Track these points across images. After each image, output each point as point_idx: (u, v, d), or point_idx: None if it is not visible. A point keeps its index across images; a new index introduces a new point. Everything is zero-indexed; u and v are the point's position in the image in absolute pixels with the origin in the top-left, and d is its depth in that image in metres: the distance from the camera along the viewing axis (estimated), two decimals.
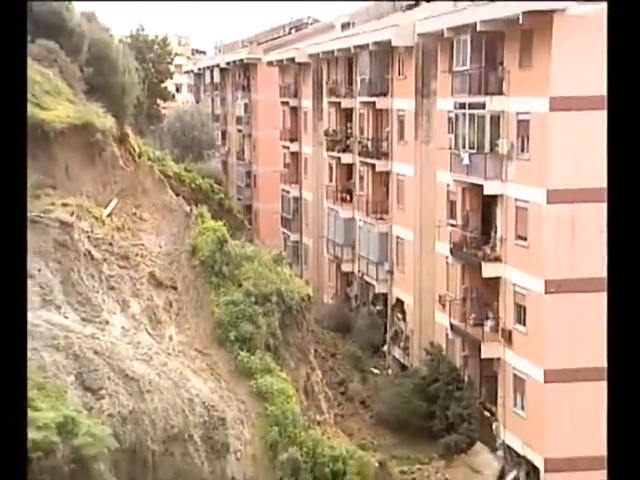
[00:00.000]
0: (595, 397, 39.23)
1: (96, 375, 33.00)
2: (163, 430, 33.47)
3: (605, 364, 38.32)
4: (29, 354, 30.80)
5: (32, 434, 26.17)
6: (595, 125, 37.93)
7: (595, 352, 38.97)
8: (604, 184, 36.59)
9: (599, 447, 38.67)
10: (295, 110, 77.68)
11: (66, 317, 35.31)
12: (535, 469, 41.42)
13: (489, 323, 44.57)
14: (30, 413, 26.74)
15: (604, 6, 36.80)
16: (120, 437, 31.22)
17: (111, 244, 39.72)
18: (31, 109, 39.28)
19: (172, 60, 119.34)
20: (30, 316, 33.69)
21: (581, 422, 39.90)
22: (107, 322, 36.58)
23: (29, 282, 35.67)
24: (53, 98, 41.72)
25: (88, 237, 38.71)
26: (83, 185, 41.38)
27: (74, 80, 45.30)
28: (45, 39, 45.61)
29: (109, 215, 41.27)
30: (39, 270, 36.06)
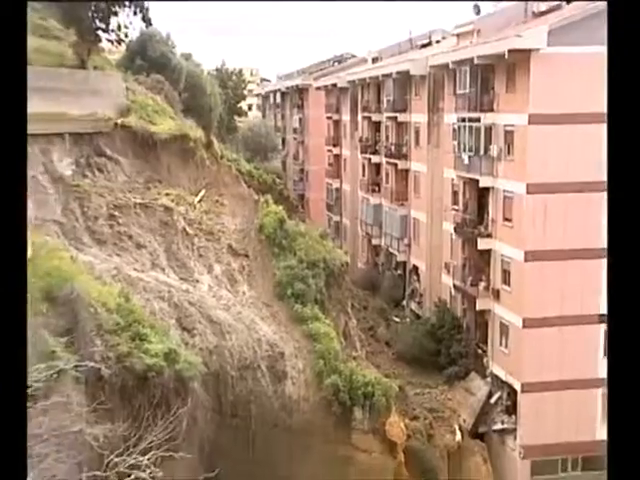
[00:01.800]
0: (559, 339, 40.13)
1: (190, 319, 33.53)
2: (239, 361, 33.88)
3: (566, 313, 39.36)
4: (143, 303, 32.15)
5: (147, 360, 27.30)
6: (562, 134, 38.79)
7: (561, 305, 39.90)
8: (569, 179, 37.69)
9: (562, 374, 39.90)
10: (337, 123, 77.21)
11: (168, 276, 35.89)
12: (514, 391, 41.80)
13: (482, 284, 44.57)
14: (145, 345, 28.14)
15: (570, 49, 38.08)
16: (208, 365, 31.71)
17: (200, 223, 40.01)
18: (144, 124, 40.27)
19: (245, 86, 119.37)
20: (143, 275, 34.89)
21: (549, 356, 40.13)
22: (197, 281, 37.00)
23: (143, 252, 36.93)
24: (160, 116, 42.21)
25: (184, 218, 39.18)
26: (180, 180, 41.77)
27: (175, 102, 46.05)
28: (156, 74, 46.88)
29: (199, 202, 41.57)
30: (149, 242, 36.77)
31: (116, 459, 17.82)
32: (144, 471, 17.88)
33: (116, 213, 37.02)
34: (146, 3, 42.73)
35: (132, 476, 17.64)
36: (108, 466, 17.69)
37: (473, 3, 55.88)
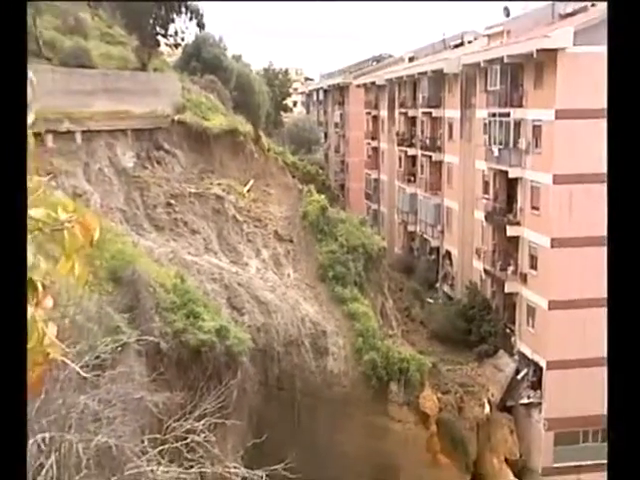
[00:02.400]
0: (582, 320, 39.88)
1: (239, 299, 33.96)
2: (284, 337, 34.30)
3: (588, 296, 38.87)
4: (197, 284, 32.61)
5: (200, 336, 27.83)
6: (586, 129, 38.41)
7: (584, 288, 39.59)
8: (593, 170, 37.41)
9: (584, 353, 39.68)
10: (375, 118, 76.71)
11: (220, 260, 36.28)
12: (539, 368, 41.71)
13: (511, 268, 44.24)
14: (199, 322, 28.61)
15: (594, 48, 37.79)
16: (255, 341, 32.07)
17: (249, 211, 40.33)
18: (198, 120, 40.71)
19: (290, 85, 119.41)
20: (197, 259, 35.37)
21: (572, 336, 39.86)
22: (246, 264, 37.42)
23: (197, 237, 37.39)
24: (212, 113, 42.69)
25: (234, 206, 39.52)
26: (230, 171, 42.01)
27: (226, 100, 46.53)
28: (209, 74, 47.41)
29: (248, 191, 41.84)
30: (202, 228, 37.25)
31: (174, 424, 18.30)
32: (199, 435, 18.32)
33: (173, 201, 37.55)
34: (201, 10, 43.33)
35: (188, 439, 18.10)
36: (167, 430, 18.18)
37: (503, 6, 55.51)
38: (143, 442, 16.95)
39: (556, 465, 41.35)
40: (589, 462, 40.57)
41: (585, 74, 37.94)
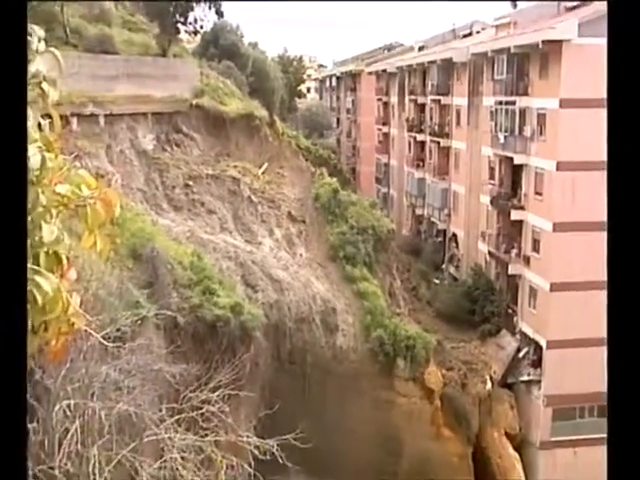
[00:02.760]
0: (582, 301, 39.84)
1: (253, 277, 34.07)
2: (295, 314, 34.42)
3: (588, 279, 38.78)
4: (213, 262, 32.70)
5: (216, 311, 27.98)
6: (590, 117, 38.18)
7: (584, 271, 39.51)
8: (595, 158, 37.31)
9: (583, 333, 39.71)
10: (386, 104, 76.15)
11: (235, 239, 36.43)
12: (540, 347, 41.65)
13: (514, 251, 44.16)
14: (214, 298, 28.73)
15: (598, 40, 37.55)
16: (268, 317, 32.33)
17: (263, 192, 40.35)
18: (216, 105, 40.73)
19: (304, 72, 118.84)
20: (213, 238, 35.46)
21: (572, 317, 39.77)
22: (260, 243, 37.53)
23: (213, 217, 37.47)
24: (229, 98, 42.71)
25: (249, 187, 39.56)
26: (246, 154, 42.04)
27: (242, 85, 46.49)
28: (226, 60, 47.33)
29: (262, 173, 41.83)
30: (219, 208, 37.36)
31: (190, 394, 18.46)
32: (213, 406, 18.45)
33: (190, 183, 37.64)
34: None
35: (203, 409, 18.24)
36: (183, 400, 18.34)
37: None
38: (161, 411, 17.10)
39: (553, 439, 41.46)
40: (585, 436, 40.87)
41: (589, 65, 37.64)
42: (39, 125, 3.42)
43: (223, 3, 43.82)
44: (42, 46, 3.48)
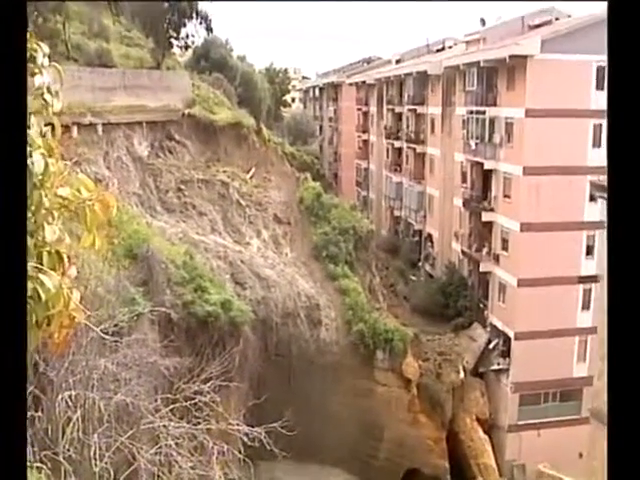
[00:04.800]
0: (547, 295, 40.09)
1: (242, 275, 33.98)
2: (281, 310, 34.36)
3: (552, 275, 39.13)
4: (204, 261, 32.56)
5: (207, 308, 27.83)
6: (553, 126, 38.58)
7: (549, 268, 39.82)
8: (558, 163, 37.61)
9: (548, 325, 40.02)
10: (365, 113, 76.45)
11: (224, 239, 36.29)
12: (508, 338, 41.83)
13: (485, 250, 44.33)
14: (205, 295, 28.61)
15: (559, 56, 37.97)
16: (256, 312, 32.23)
17: (251, 195, 40.20)
18: (206, 114, 40.59)
19: (289, 82, 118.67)
20: (204, 238, 35.30)
21: (538, 310, 40.00)
22: (248, 243, 37.45)
23: (204, 219, 37.33)
24: (219, 107, 42.60)
25: (237, 191, 39.42)
26: (235, 159, 41.90)
27: (231, 96, 46.41)
28: (216, 72, 47.22)
29: (250, 178, 41.71)
30: (209, 211, 37.22)
31: (183, 385, 18.39)
32: (205, 396, 18.39)
33: (183, 187, 37.52)
34: (209, 15, 43.26)
35: (196, 399, 18.18)
36: (177, 391, 18.26)
37: (480, 17, 55.56)
38: (156, 401, 17.02)
39: (520, 423, 41.71)
40: (549, 419, 41.28)
41: (551, 78, 38.15)
42: (42, 133, 3.41)
43: (213, 19, 43.84)
44: (46, 61, 3.49)
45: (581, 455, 32.06)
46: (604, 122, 39.16)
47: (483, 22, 55.23)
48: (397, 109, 62.99)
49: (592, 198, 35.20)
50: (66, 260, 3.35)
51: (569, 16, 46.90)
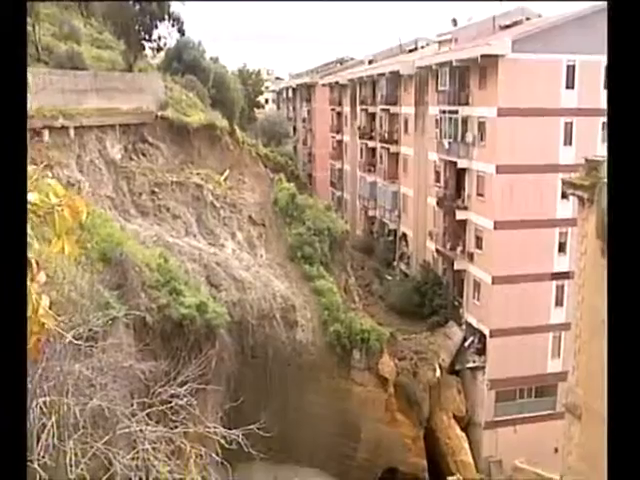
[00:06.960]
0: (521, 293, 40.42)
1: (217, 277, 33.87)
2: (257, 311, 34.26)
3: (526, 272, 39.50)
4: (179, 264, 32.31)
5: (182, 310, 27.64)
6: (524, 125, 38.88)
7: (522, 265, 40.13)
8: (530, 162, 37.94)
9: (522, 322, 40.35)
10: (339, 114, 76.44)
11: (199, 242, 36.12)
12: (484, 336, 42.14)
13: (459, 248, 44.65)
14: (181, 298, 28.44)
15: (529, 56, 38.30)
16: (232, 315, 32.13)
17: (225, 197, 40.06)
18: (179, 116, 40.38)
19: (263, 84, 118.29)
20: (178, 241, 35.11)
21: (512, 308, 40.31)
22: (223, 245, 37.26)
23: (178, 221, 37.10)
24: (192, 109, 42.45)
25: (212, 193, 39.20)
26: (208, 161, 41.74)
27: (204, 98, 46.16)
28: (189, 75, 46.97)
29: (224, 180, 41.51)
30: (183, 213, 36.98)
31: (159, 389, 18.20)
32: (182, 399, 18.23)
33: (156, 189, 37.26)
34: (181, 17, 43.10)
35: (172, 403, 18.03)
36: (153, 395, 18.10)
37: (451, 17, 55.95)
38: (132, 405, 16.85)
39: (496, 419, 42.07)
40: (524, 415, 41.63)
41: (522, 77, 38.50)
42: None
43: (185, 21, 43.73)
44: None
45: (556, 450, 32.34)
46: (575, 120, 39.62)
47: (455, 22, 55.60)
48: (370, 109, 63.15)
49: (564, 195, 35.50)
50: (35, 265, 3.30)
51: (540, 16, 47.40)
